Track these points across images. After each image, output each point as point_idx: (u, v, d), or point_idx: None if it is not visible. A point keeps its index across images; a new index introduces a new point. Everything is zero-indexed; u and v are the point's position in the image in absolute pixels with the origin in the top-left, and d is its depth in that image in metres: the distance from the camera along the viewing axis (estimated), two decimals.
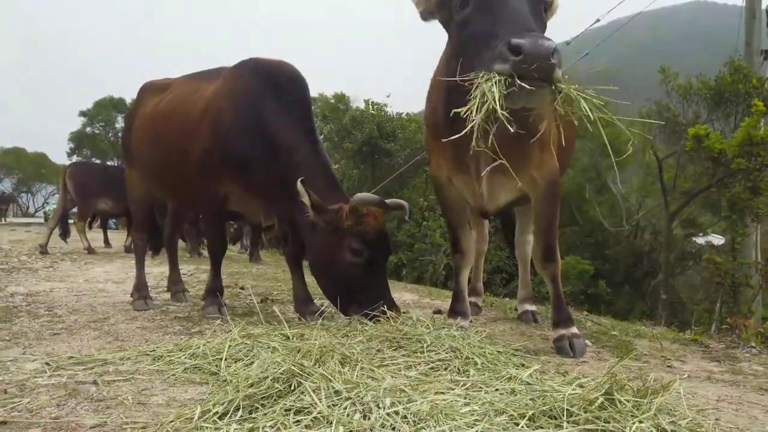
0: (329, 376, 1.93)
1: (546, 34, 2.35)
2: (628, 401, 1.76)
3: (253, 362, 2.28)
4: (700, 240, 14.72)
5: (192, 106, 3.74)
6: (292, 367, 1.98)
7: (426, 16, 2.87)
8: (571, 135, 3.75)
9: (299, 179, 3.19)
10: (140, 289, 4.21)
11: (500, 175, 3.00)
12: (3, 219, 30.82)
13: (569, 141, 3.69)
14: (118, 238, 13.83)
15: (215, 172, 3.54)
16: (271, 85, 3.56)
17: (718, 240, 12.70)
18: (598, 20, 11.09)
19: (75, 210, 11.26)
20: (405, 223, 15.95)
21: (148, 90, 4.39)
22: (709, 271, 8.92)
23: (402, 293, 5.71)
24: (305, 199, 3.18)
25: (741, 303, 8.48)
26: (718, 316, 8.84)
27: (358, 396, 1.81)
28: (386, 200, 3.39)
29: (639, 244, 15.96)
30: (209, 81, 3.82)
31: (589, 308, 12.67)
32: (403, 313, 4.22)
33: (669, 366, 2.90)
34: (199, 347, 2.58)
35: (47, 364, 2.42)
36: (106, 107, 38.15)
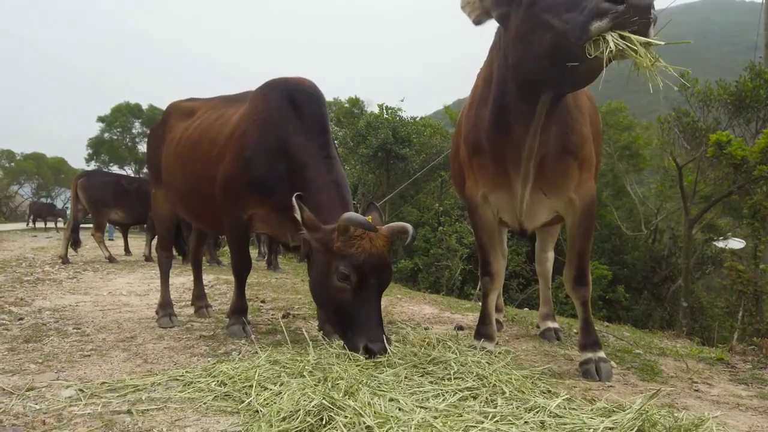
0: (360, 411, 1.95)
1: None
2: None
3: (282, 391, 2.31)
4: (720, 244, 14.50)
5: (218, 132, 3.77)
6: (323, 401, 2.00)
7: (482, 18, 2.78)
8: (598, 150, 3.73)
9: (295, 194, 3.05)
10: (165, 307, 4.27)
11: (541, 194, 3.02)
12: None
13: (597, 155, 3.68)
14: (137, 245, 14.00)
15: (240, 194, 3.56)
16: (292, 104, 3.55)
17: (738, 243, 12.50)
18: None
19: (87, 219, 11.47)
20: (420, 227, 15.96)
21: (175, 113, 4.40)
22: (731, 279, 8.81)
23: (422, 306, 5.73)
24: (297, 216, 3.02)
25: (764, 311, 8.36)
26: (740, 325, 8.72)
27: None
28: (391, 224, 3.16)
29: (657, 249, 15.77)
30: (235, 106, 3.85)
31: (608, 314, 12.61)
32: (425, 329, 4.26)
33: (696, 390, 2.88)
34: (228, 373, 2.61)
35: (81, 390, 2.47)
36: (123, 113, 38.53)
